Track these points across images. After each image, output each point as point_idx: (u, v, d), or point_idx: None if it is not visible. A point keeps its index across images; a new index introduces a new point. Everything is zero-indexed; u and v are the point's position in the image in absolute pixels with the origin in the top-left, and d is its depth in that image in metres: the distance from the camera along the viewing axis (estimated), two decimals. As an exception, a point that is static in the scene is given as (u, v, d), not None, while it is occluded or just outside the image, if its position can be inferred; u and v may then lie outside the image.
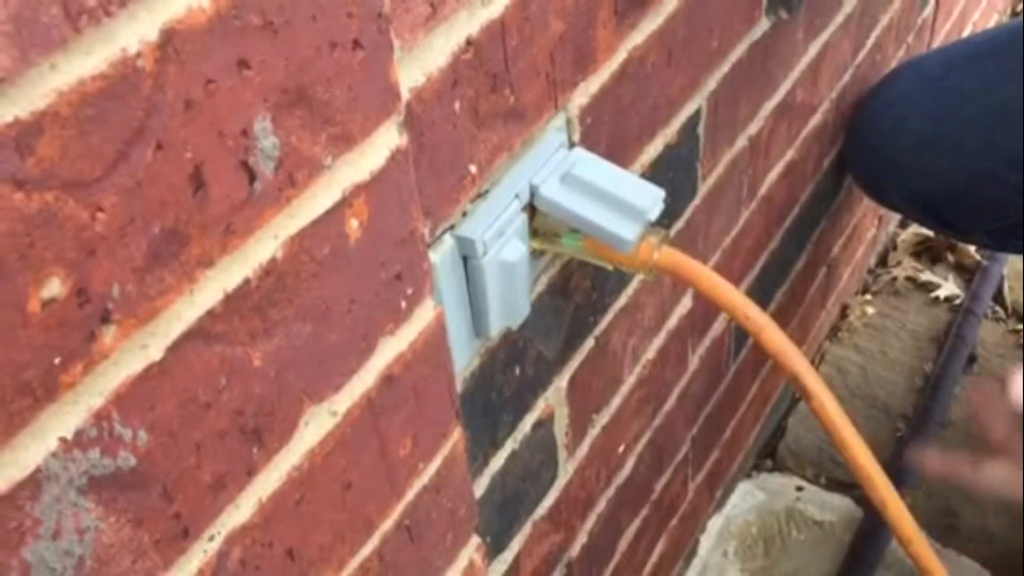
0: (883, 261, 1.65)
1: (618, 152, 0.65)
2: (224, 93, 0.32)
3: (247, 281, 0.36)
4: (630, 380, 0.82)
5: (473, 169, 0.51)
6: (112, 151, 0.29)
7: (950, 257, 1.61)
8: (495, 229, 0.51)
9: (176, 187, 0.32)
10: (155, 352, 0.33)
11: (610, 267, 0.59)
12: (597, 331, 0.72)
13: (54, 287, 0.29)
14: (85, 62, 0.28)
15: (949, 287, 1.54)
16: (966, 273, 1.58)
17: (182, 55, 0.30)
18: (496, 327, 0.54)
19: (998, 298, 1.54)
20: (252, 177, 0.34)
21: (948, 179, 1.11)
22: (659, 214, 0.55)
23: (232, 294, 0.35)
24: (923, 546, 0.65)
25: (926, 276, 1.57)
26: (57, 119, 0.27)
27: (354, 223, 0.40)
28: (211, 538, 0.38)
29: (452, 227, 0.51)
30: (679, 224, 0.80)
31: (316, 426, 0.42)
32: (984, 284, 1.52)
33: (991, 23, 1.94)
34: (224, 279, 0.35)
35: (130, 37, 0.29)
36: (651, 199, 0.53)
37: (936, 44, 1.53)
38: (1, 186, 0.26)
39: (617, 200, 0.53)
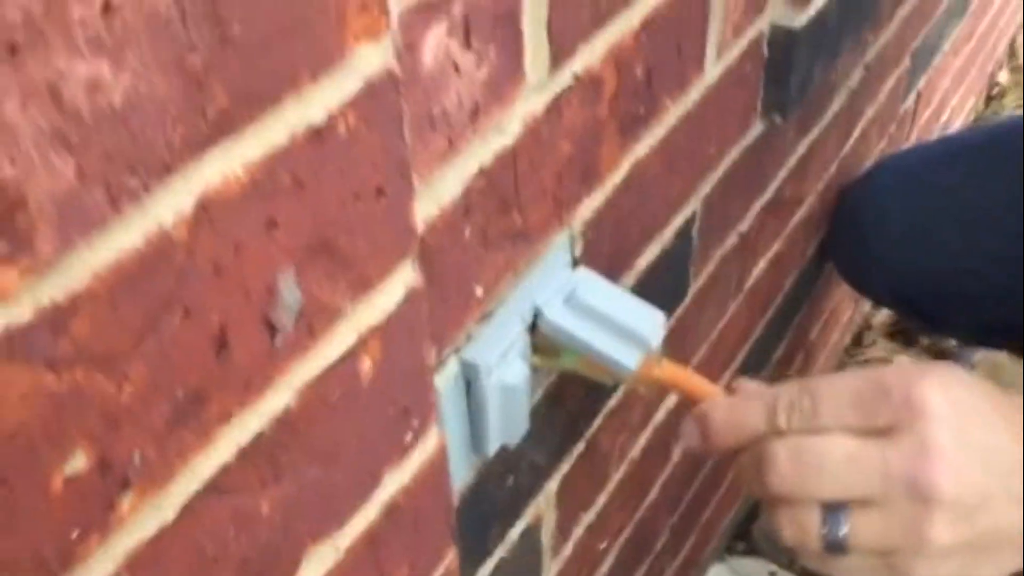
0: (858, 340, 1.67)
1: (618, 261, 0.65)
2: (252, 253, 0.32)
3: (261, 433, 0.35)
4: (616, 477, 0.81)
5: (479, 292, 0.51)
6: (141, 323, 0.29)
7: (924, 340, 1.63)
8: (499, 351, 0.51)
9: (201, 350, 0.31)
10: (169, 512, 0.32)
11: (608, 383, 0.59)
12: (588, 434, 0.72)
13: (78, 462, 0.28)
14: (123, 239, 0.28)
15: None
16: (941, 357, 1.60)
17: (215, 223, 0.30)
18: (495, 446, 0.54)
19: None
20: (273, 332, 0.34)
21: (930, 276, 1.12)
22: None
23: (246, 447, 0.35)
24: None
25: (900, 359, 1.58)
26: (91, 297, 0.27)
27: (367, 363, 0.40)
28: None
29: (457, 350, 0.50)
30: (670, 322, 0.80)
31: (318, 563, 0.41)
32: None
33: (968, 105, 1.98)
34: (239, 434, 0.34)
35: (166, 211, 0.29)
36: (653, 325, 0.54)
37: (917, 131, 1.55)
38: (34, 370, 0.26)
39: (620, 326, 0.53)
